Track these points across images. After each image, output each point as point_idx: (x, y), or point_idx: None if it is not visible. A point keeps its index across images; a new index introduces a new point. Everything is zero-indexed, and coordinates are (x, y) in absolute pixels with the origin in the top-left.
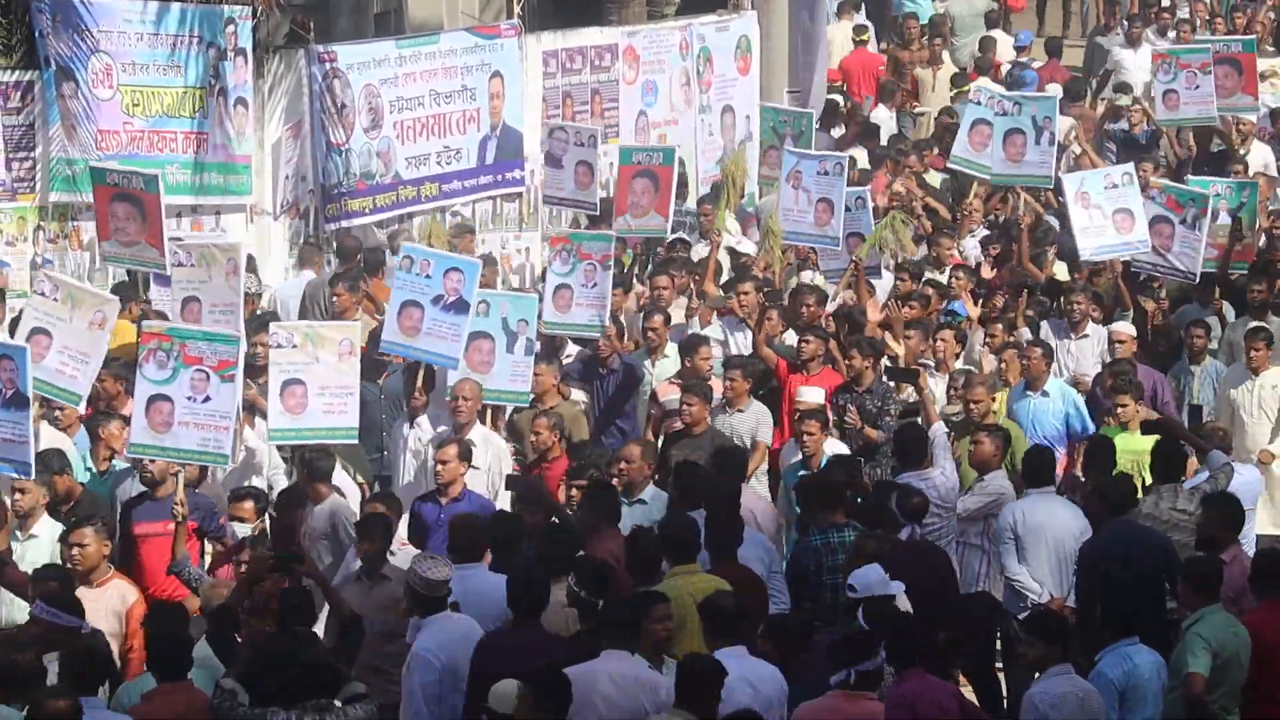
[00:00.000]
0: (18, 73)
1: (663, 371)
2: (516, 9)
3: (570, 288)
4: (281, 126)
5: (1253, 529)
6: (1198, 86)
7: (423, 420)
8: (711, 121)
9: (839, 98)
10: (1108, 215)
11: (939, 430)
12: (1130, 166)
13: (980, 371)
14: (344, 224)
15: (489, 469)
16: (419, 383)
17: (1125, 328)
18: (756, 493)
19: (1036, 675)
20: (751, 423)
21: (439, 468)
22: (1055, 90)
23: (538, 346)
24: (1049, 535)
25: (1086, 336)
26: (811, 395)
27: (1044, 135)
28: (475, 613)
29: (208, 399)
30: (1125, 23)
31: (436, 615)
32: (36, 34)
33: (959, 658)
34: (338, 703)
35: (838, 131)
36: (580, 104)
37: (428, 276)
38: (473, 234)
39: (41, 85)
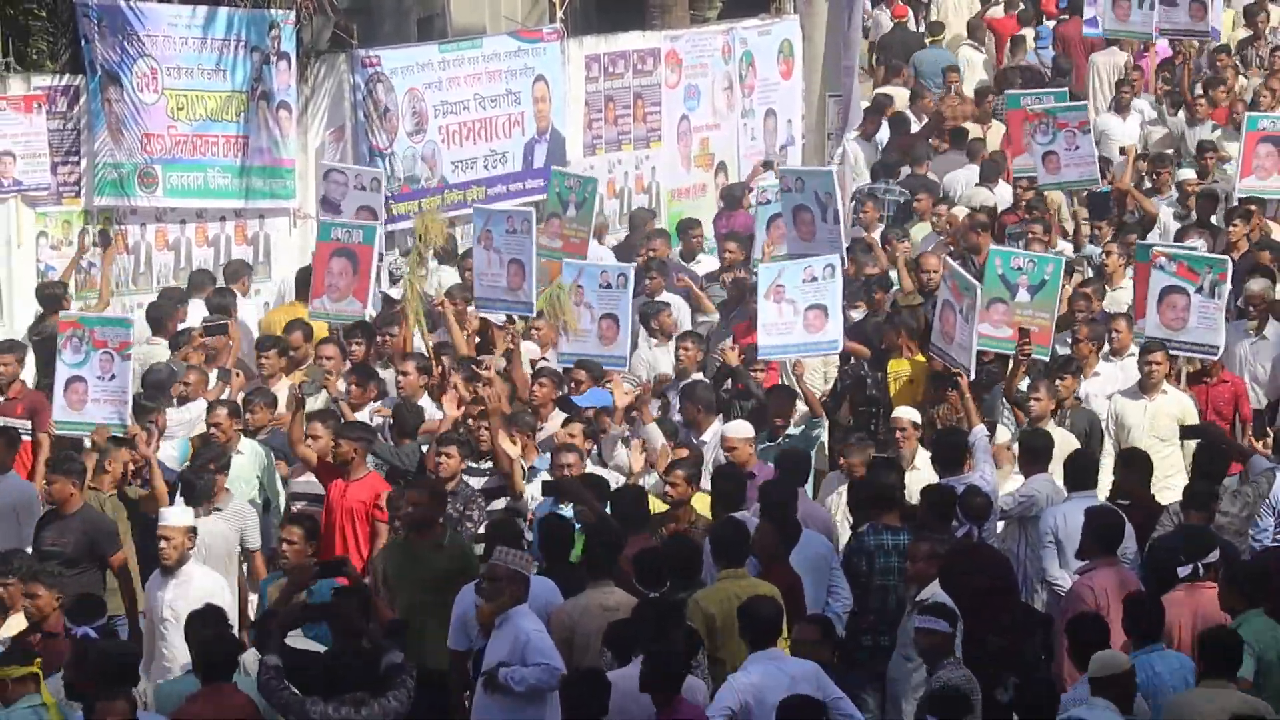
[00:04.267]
0: (65, 77)
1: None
2: (559, 13)
3: (84, 380)
4: (324, 131)
5: None
6: (1078, 147)
7: None
8: (754, 126)
9: (888, 91)
10: (799, 311)
11: (980, 434)
12: (835, 258)
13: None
14: (388, 228)
15: None
16: None
17: (740, 429)
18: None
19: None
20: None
21: None
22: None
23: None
24: None
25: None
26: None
27: (829, 211)
28: None
29: (113, 377)
30: (1113, 89)
31: (523, 605)
32: (82, 39)
33: (1012, 663)
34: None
35: (882, 135)
36: (622, 108)
37: None
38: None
39: (87, 90)
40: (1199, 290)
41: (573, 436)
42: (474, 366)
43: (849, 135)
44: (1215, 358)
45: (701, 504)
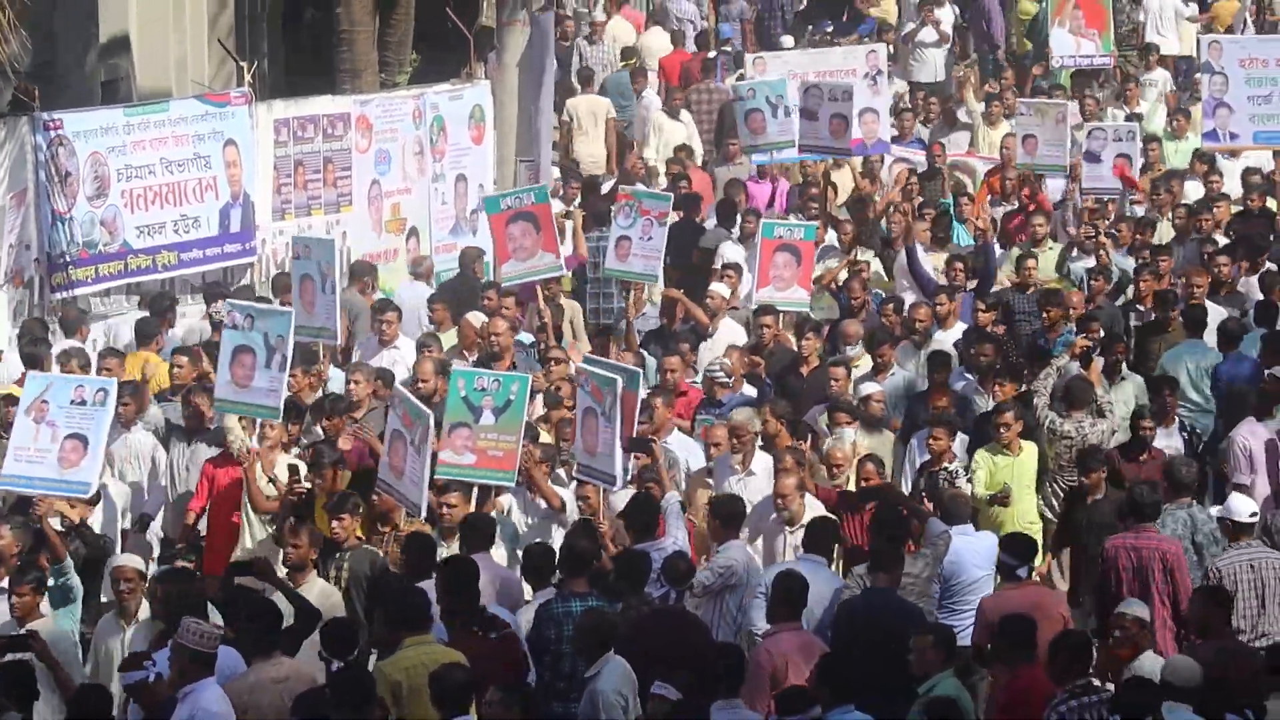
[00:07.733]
0: None
1: None
2: (248, 77)
3: None
4: (4, 195)
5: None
6: (651, 238)
7: None
8: (445, 190)
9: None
10: (57, 439)
11: (672, 500)
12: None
13: None
14: (71, 294)
15: None
16: None
17: None
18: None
19: None
20: None
21: None
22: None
23: None
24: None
25: None
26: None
27: (327, 282)
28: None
29: None
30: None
31: (208, 678)
32: None
33: None
34: None
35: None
36: (313, 172)
37: None
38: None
39: None
40: (603, 414)
41: None
42: None
43: None
44: (615, 488)
45: None
